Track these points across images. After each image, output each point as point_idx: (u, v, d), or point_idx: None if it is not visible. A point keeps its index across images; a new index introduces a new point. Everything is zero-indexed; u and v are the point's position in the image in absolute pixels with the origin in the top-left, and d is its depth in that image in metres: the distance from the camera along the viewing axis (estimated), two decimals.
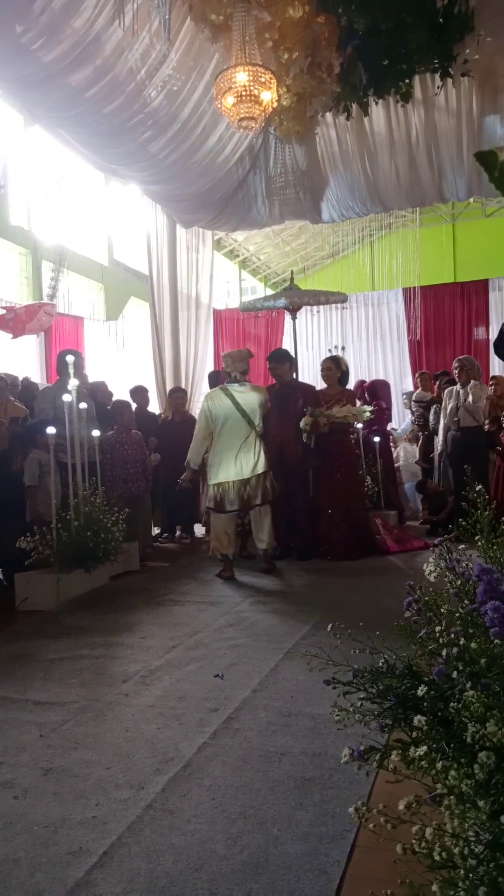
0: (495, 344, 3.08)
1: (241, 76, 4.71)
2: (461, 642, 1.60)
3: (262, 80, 4.76)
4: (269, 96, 4.89)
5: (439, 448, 6.60)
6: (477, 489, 2.09)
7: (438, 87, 6.33)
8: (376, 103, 6.58)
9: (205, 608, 4.17)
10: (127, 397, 6.71)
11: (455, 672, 1.57)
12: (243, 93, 4.75)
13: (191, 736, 2.42)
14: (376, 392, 7.36)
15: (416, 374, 9.30)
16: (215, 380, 6.76)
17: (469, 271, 13.82)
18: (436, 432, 7.03)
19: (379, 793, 2.00)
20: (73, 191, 11.22)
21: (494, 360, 10.84)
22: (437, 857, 1.24)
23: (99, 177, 8.88)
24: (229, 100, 4.86)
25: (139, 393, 7.04)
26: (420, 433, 8.00)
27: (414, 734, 1.48)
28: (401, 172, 7.25)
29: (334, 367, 5.90)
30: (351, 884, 1.63)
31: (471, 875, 1.20)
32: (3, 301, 8.79)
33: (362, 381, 7.81)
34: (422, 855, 1.25)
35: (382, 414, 7.24)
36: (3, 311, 8.12)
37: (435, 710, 1.59)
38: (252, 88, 4.72)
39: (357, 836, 1.80)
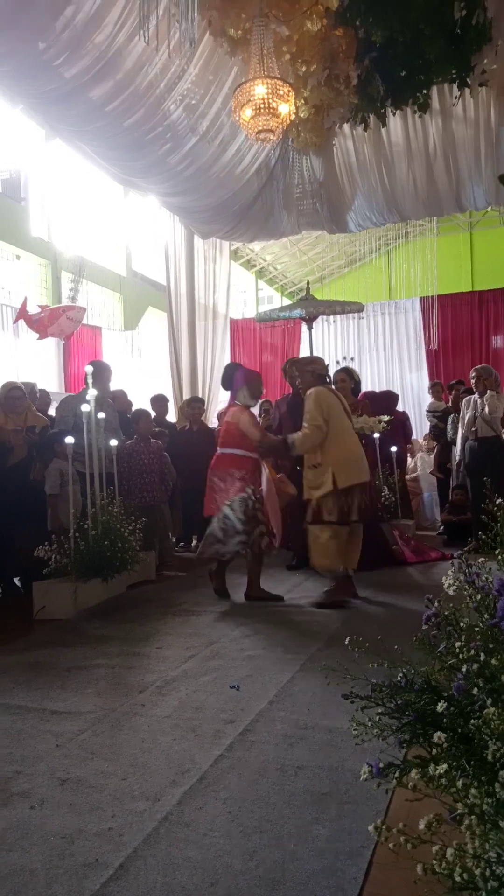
0: None
1: (260, 89, 4.75)
2: (481, 658, 1.58)
3: (280, 92, 4.79)
4: (286, 109, 4.93)
5: (457, 458, 6.55)
6: (497, 502, 2.07)
7: (456, 98, 6.34)
8: (394, 114, 6.61)
9: (221, 618, 4.17)
10: (145, 406, 6.75)
11: (475, 688, 1.55)
12: (261, 105, 4.78)
13: (207, 748, 2.41)
14: (388, 404, 7.32)
15: (430, 385, 9.27)
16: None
17: (487, 280, 13.76)
18: (453, 442, 6.99)
19: (397, 809, 1.97)
20: (92, 202, 11.36)
21: None
22: (458, 878, 1.22)
23: (118, 188, 8.98)
24: (247, 112, 4.90)
25: (158, 402, 7.09)
26: (435, 443, 7.96)
27: (433, 751, 1.46)
28: (418, 182, 7.26)
29: (348, 379, 5.89)
30: None
31: None
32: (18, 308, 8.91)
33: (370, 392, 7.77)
34: (442, 875, 1.23)
35: (402, 425, 7.21)
36: (38, 310, 8.28)
37: (455, 727, 1.57)
38: (270, 101, 4.75)
39: (375, 852, 1.78)
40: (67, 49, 4.57)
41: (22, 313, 8.23)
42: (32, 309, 8.35)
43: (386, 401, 7.40)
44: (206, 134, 6.08)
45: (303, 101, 5.78)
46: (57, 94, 4.81)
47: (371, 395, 7.40)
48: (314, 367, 4.80)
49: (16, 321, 8.29)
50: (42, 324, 8.19)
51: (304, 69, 5.33)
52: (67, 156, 8.12)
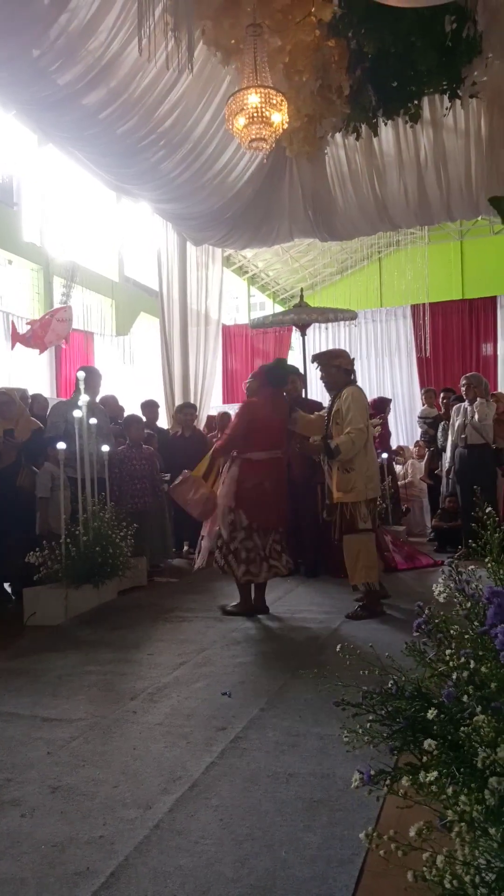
0: None
1: (253, 98, 4.78)
2: (471, 665, 1.60)
3: (274, 101, 4.83)
4: (279, 118, 4.96)
5: (447, 465, 6.59)
6: (487, 510, 2.09)
7: (447, 108, 6.40)
8: (385, 124, 6.66)
9: (212, 624, 4.16)
10: (137, 412, 6.75)
11: (465, 696, 1.56)
12: (254, 114, 4.81)
13: (198, 755, 2.42)
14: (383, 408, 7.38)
15: (422, 391, 9.34)
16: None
17: (477, 288, 13.86)
18: (443, 449, 7.04)
19: (388, 816, 1.98)
20: (84, 208, 11.37)
21: (502, 376, 10.86)
22: (448, 885, 1.24)
23: (110, 194, 8.99)
24: (240, 121, 4.93)
25: (149, 407, 7.10)
26: (427, 449, 8.00)
27: (424, 758, 1.47)
28: (409, 192, 7.32)
29: None
30: None
31: None
32: (13, 315, 8.90)
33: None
34: (432, 882, 1.24)
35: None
36: (27, 328, 8.27)
37: (445, 734, 1.58)
38: (263, 110, 4.79)
39: (366, 860, 1.78)
40: (61, 56, 4.58)
41: (15, 337, 8.22)
42: (21, 328, 8.34)
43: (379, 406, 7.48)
44: (200, 142, 6.10)
45: (296, 111, 5.82)
46: (51, 101, 4.82)
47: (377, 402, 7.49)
48: (340, 362, 4.44)
49: (13, 346, 8.28)
50: (37, 337, 8.18)
51: (297, 79, 5.38)
52: (60, 161, 8.14)
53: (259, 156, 6.62)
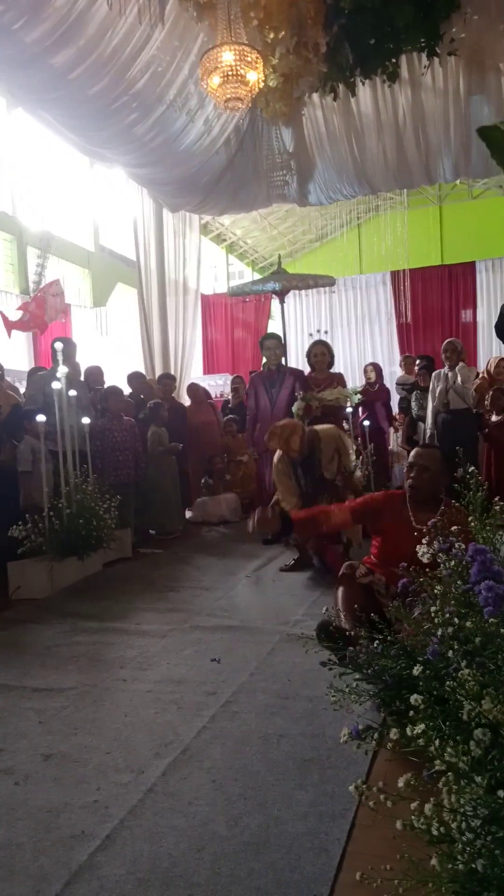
0: (496, 326, 3.07)
1: (227, 55, 4.65)
2: (456, 622, 1.63)
3: (249, 59, 4.70)
4: (255, 76, 4.84)
5: (428, 431, 6.62)
6: (469, 470, 2.11)
7: (425, 67, 6.28)
8: (363, 83, 6.53)
9: (199, 593, 4.19)
10: (118, 384, 6.68)
11: (450, 651, 1.59)
12: (229, 73, 4.69)
13: (189, 720, 2.45)
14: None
15: (402, 358, 9.35)
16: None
17: (456, 254, 13.79)
18: (419, 418, 7.08)
19: (377, 772, 2.03)
20: (57, 175, 11.06)
21: (481, 342, 10.89)
22: (435, 833, 1.27)
23: (84, 161, 8.74)
24: (215, 80, 4.80)
25: (135, 379, 7.04)
26: (404, 416, 8.04)
27: (411, 713, 1.50)
28: (388, 153, 7.21)
29: (327, 352, 5.90)
30: (351, 861, 1.66)
31: (469, 848, 1.23)
32: None
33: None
34: (421, 830, 1.27)
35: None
36: (20, 314, 8.05)
37: (430, 689, 1.61)
38: (238, 68, 4.66)
39: (356, 814, 1.83)
40: (26, 13, 4.40)
41: (8, 325, 7.99)
42: (12, 315, 8.12)
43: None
44: (174, 103, 5.94)
45: (271, 70, 5.68)
46: (17, 61, 4.64)
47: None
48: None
49: (9, 334, 8.04)
50: (36, 317, 7.98)
51: (272, 36, 5.23)
52: (31, 126, 7.88)
53: (235, 117, 6.47)
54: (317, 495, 4.27)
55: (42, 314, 8.00)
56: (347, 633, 2.49)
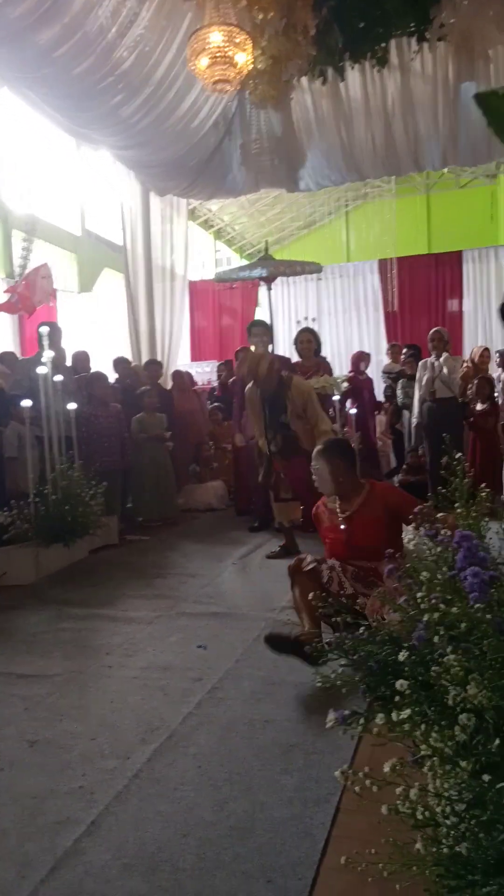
0: (500, 309, 3.08)
1: (216, 36, 4.57)
2: (442, 608, 1.63)
3: (237, 40, 4.62)
4: (244, 58, 4.76)
5: (415, 420, 6.64)
6: (456, 457, 2.11)
7: (415, 52, 6.23)
8: (352, 68, 6.46)
9: (185, 580, 4.19)
10: (104, 369, 6.62)
11: (436, 637, 1.59)
12: (217, 54, 4.61)
13: (175, 706, 2.45)
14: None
15: (388, 346, 9.36)
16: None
17: (443, 242, 13.76)
18: (405, 406, 7.10)
19: (362, 757, 2.04)
20: (43, 157, 10.87)
21: (467, 331, 10.91)
22: (420, 817, 1.28)
23: (70, 142, 8.59)
24: (203, 61, 4.72)
25: (120, 364, 7.00)
26: (389, 404, 8.06)
27: (396, 698, 1.51)
28: (377, 140, 7.16)
29: (313, 339, 5.88)
30: (336, 845, 1.67)
31: (453, 832, 1.24)
32: None
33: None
34: (406, 815, 1.28)
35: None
36: (7, 296, 7.92)
37: (416, 675, 1.62)
38: (226, 49, 4.58)
39: (341, 799, 1.84)
40: None
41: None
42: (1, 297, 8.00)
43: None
44: (161, 84, 5.84)
45: (260, 52, 5.59)
46: (1, 36, 4.53)
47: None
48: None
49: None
50: (25, 299, 7.86)
51: (261, 17, 5.13)
52: (15, 106, 7.72)
53: (223, 100, 6.39)
54: (274, 436, 4.54)
55: (31, 297, 7.89)
56: (291, 639, 2.59)
